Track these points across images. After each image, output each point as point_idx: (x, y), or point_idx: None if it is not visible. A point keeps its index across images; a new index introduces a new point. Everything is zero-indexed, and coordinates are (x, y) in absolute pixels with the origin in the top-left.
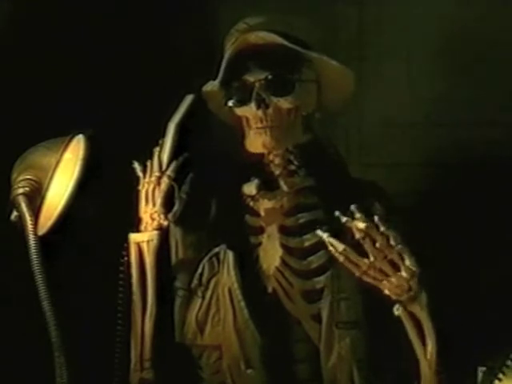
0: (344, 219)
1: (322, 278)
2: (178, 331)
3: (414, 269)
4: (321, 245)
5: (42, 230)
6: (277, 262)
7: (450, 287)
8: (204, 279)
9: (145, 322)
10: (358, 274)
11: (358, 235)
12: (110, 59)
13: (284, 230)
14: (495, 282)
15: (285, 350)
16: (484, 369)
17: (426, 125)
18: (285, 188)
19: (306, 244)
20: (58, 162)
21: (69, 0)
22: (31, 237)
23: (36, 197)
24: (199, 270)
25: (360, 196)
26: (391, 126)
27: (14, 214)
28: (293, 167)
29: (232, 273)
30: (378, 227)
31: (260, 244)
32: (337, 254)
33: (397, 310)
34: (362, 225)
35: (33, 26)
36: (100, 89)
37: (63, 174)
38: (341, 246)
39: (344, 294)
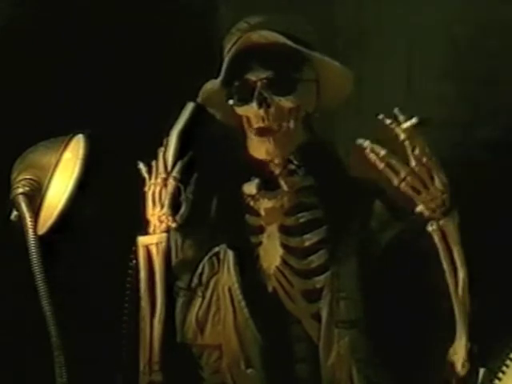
0: (388, 121)
1: (321, 277)
2: (179, 331)
3: (446, 182)
4: (321, 244)
5: (41, 230)
6: (277, 262)
7: None
8: (204, 279)
9: (153, 325)
10: (396, 182)
11: (402, 136)
12: (110, 59)
13: (284, 230)
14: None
15: (285, 350)
16: (484, 369)
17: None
18: (285, 187)
19: (307, 243)
20: (57, 162)
21: (70, 1)
22: (31, 236)
23: (36, 196)
24: (199, 270)
25: (359, 195)
26: None
27: (14, 213)
28: (293, 167)
29: (232, 272)
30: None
31: (260, 243)
32: (377, 161)
33: (431, 226)
34: (406, 124)
35: (33, 26)
36: (100, 88)
37: (63, 173)
38: (383, 151)
39: (344, 294)
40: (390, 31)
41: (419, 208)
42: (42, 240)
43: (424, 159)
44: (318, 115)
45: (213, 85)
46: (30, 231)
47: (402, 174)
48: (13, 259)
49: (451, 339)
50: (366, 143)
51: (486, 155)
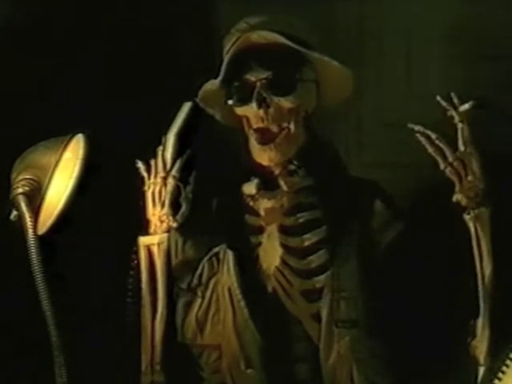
0: (444, 104)
1: (321, 277)
2: (179, 331)
3: (483, 172)
4: (321, 244)
5: (41, 230)
6: (277, 262)
7: None
8: (204, 279)
9: (155, 325)
10: (442, 166)
11: (456, 119)
12: (110, 59)
13: (284, 230)
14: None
15: (285, 350)
16: (484, 369)
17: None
18: (284, 187)
19: (306, 243)
20: (57, 162)
21: (70, 0)
22: (31, 236)
23: (36, 196)
24: (199, 270)
25: (359, 195)
26: (391, 126)
27: (14, 213)
28: (292, 167)
29: (232, 272)
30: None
31: (260, 244)
32: (427, 144)
33: (468, 214)
34: (463, 107)
35: (33, 27)
36: (100, 88)
37: (63, 173)
38: (434, 135)
39: (344, 293)
40: (390, 31)
41: (457, 197)
42: (41, 240)
43: (470, 145)
44: (318, 115)
45: (212, 85)
46: (30, 231)
47: (450, 159)
48: (13, 259)
49: (453, 337)
50: (418, 127)
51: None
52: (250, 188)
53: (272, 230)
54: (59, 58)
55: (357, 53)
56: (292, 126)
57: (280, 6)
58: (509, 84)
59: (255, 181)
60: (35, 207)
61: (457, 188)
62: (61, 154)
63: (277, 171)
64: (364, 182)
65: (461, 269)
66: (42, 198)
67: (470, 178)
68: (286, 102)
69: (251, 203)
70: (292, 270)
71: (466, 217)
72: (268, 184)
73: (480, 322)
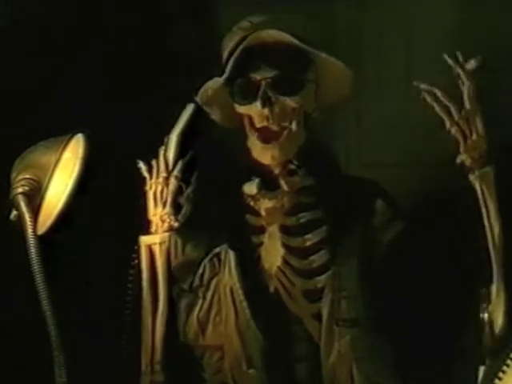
0: (450, 62)
1: (323, 277)
2: (181, 332)
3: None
4: (322, 244)
5: (41, 230)
6: (278, 262)
7: None
8: (205, 279)
9: (155, 325)
10: (449, 124)
11: (463, 77)
12: (110, 59)
13: (285, 230)
14: None
15: (286, 350)
16: (484, 368)
17: (426, 125)
18: (285, 187)
19: (308, 243)
20: (57, 161)
21: (69, 1)
22: (31, 236)
23: (35, 196)
24: (200, 271)
25: (359, 195)
26: (390, 126)
27: (14, 213)
28: (293, 167)
29: (233, 273)
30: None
31: (261, 244)
32: (434, 103)
33: (472, 174)
34: (470, 65)
35: (33, 27)
36: (100, 88)
37: (63, 173)
38: (439, 92)
39: (345, 293)
40: (390, 31)
41: (461, 157)
42: (41, 240)
43: (475, 104)
44: (316, 115)
45: (214, 83)
46: (30, 231)
47: (456, 117)
48: (13, 259)
49: (456, 335)
50: (423, 85)
51: None
52: (250, 188)
53: (273, 230)
54: (59, 58)
55: (357, 53)
56: (293, 126)
57: (280, 5)
58: (509, 81)
59: (256, 181)
60: (35, 207)
61: (461, 148)
62: (61, 154)
63: (277, 171)
64: (364, 181)
65: (462, 266)
66: (42, 198)
67: (474, 137)
68: (291, 102)
69: (252, 203)
70: (294, 270)
71: (471, 177)
72: (268, 184)
73: (494, 286)
